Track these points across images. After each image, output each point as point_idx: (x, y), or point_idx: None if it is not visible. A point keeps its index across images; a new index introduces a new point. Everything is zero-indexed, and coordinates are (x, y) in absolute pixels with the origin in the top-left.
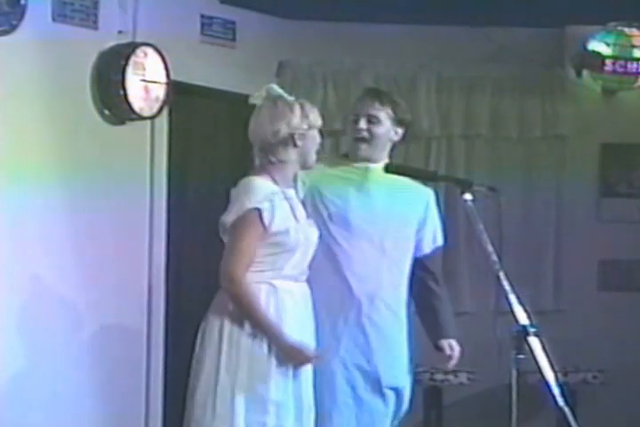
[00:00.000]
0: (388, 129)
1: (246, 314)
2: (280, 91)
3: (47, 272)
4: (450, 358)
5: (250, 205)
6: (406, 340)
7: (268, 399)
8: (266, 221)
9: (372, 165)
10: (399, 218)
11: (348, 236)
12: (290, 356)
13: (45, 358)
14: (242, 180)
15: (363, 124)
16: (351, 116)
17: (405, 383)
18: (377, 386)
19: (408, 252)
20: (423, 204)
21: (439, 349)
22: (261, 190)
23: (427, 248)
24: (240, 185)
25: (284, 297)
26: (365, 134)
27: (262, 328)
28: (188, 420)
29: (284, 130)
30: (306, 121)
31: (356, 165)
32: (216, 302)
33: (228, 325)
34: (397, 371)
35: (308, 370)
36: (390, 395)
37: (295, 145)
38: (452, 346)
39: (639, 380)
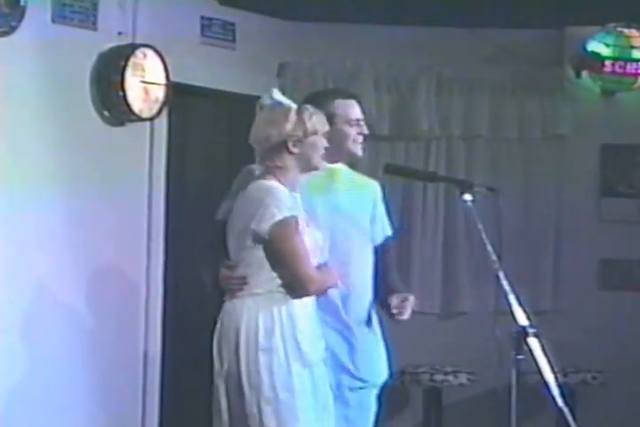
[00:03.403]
0: None
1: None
2: (280, 97)
3: (45, 274)
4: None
5: (287, 212)
6: (380, 334)
7: (296, 407)
8: (300, 226)
9: (333, 166)
10: (362, 213)
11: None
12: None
13: (43, 360)
14: (256, 184)
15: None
16: (353, 120)
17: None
18: (360, 385)
19: (369, 246)
20: (373, 197)
21: (387, 305)
22: (287, 197)
23: (379, 238)
24: (260, 190)
25: (294, 302)
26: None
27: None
28: None
29: (275, 136)
30: (301, 127)
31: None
32: (227, 319)
33: (243, 342)
34: (378, 369)
35: (322, 369)
36: (372, 392)
37: (290, 152)
38: (405, 297)
39: (639, 381)
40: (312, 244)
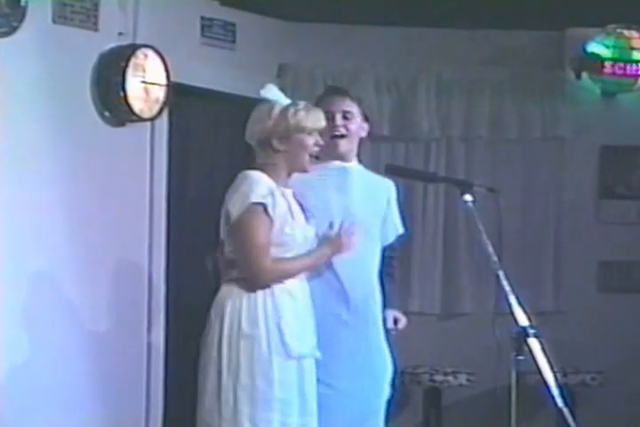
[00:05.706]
0: (359, 125)
1: (297, 274)
2: (269, 93)
3: (46, 272)
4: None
5: (255, 199)
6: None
7: (273, 397)
8: (271, 214)
9: (347, 165)
10: (372, 215)
11: None
12: (337, 249)
13: (45, 358)
14: (240, 174)
15: (339, 120)
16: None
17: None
18: (375, 380)
19: (379, 244)
20: (387, 196)
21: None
22: (264, 184)
23: (391, 237)
24: (240, 178)
25: (282, 295)
26: (343, 131)
27: (314, 267)
28: (200, 424)
29: (258, 133)
30: (284, 124)
31: (330, 166)
32: (215, 305)
33: (226, 328)
34: (387, 366)
35: (311, 364)
36: (385, 388)
37: (274, 149)
38: (397, 317)
39: (638, 381)
40: (297, 236)
